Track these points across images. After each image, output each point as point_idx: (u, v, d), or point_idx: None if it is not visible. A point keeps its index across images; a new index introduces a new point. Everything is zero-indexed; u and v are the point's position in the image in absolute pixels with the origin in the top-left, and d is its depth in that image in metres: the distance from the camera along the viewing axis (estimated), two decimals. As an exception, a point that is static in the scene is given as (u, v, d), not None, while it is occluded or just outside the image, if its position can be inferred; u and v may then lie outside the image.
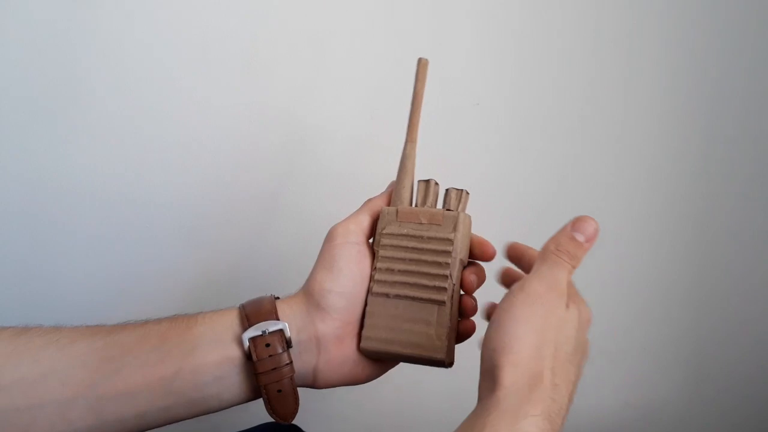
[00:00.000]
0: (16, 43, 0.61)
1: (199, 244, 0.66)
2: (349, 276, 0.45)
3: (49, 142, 0.62)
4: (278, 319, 0.44)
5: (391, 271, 0.45)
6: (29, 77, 0.61)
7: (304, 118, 0.67)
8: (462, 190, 0.47)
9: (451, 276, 0.44)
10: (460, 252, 0.45)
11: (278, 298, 0.47)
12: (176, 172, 0.65)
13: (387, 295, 0.45)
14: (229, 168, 0.66)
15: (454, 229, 0.45)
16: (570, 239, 0.43)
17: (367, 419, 0.72)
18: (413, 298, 0.45)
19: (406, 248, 0.45)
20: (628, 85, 0.72)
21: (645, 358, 0.75)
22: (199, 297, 0.67)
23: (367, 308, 0.45)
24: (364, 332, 0.45)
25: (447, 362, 0.44)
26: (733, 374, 0.76)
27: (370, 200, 0.49)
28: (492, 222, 0.71)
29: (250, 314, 0.44)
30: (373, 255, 0.46)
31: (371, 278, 0.46)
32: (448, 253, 0.44)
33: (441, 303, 0.44)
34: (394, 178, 0.48)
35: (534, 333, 0.39)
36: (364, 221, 0.48)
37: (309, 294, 0.45)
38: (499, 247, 0.48)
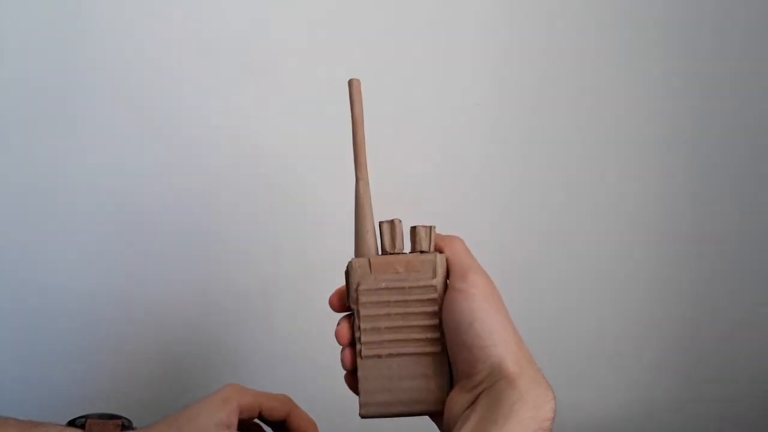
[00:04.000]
0: (16, 44, 0.61)
1: (201, 248, 0.66)
2: None
3: (46, 144, 0.62)
4: None
5: (377, 330, 0.43)
6: (28, 79, 0.61)
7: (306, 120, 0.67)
8: (429, 226, 0.44)
9: (439, 324, 0.43)
10: (441, 295, 0.43)
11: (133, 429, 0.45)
12: (178, 175, 0.65)
13: (378, 356, 0.43)
14: (232, 169, 0.66)
15: (434, 273, 0.43)
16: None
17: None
18: (407, 354, 0.43)
19: (388, 303, 0.43)
20: (628, 83, 0.72)
21: (643, 358, 0.75)
22: (203, 301, 0.66)
23: (360, 373, 0.43)
24: (361, 399, 0.43)
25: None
26: (732, 375, 0.76)
27: (235, 389, 0.45)
28: (494, 222, 0.71)
29: None
30: (351, 314, 0.44)
31: (356, 340, 0.43)
32: (434, 300, 0.42)
33: (436, 354, 0.43)
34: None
35: (507, 320, 0.40)
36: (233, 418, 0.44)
37: None
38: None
